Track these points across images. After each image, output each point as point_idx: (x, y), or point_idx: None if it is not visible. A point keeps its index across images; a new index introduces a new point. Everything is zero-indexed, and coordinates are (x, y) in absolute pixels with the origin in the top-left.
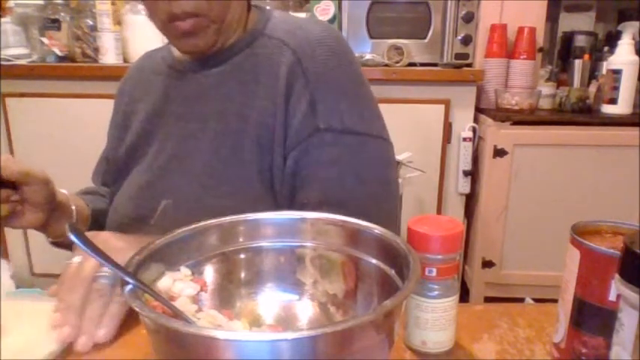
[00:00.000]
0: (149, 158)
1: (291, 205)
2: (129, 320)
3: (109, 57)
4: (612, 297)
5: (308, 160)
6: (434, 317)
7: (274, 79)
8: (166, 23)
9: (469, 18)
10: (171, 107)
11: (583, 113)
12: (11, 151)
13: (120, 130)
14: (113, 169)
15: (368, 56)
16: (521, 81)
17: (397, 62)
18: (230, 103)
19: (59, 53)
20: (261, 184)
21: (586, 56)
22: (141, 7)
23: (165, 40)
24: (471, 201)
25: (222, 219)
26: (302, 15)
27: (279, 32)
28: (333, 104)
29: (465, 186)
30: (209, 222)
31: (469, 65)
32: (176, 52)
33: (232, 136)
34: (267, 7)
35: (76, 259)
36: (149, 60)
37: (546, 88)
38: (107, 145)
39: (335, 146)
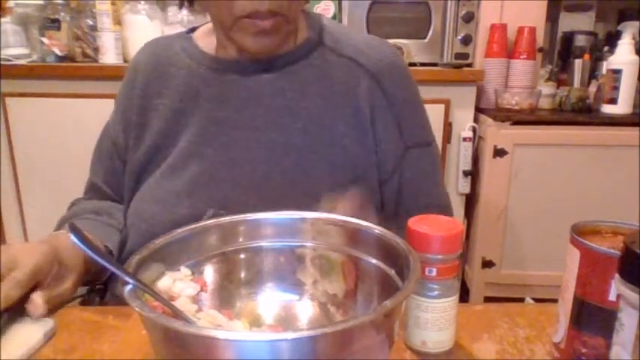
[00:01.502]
0: (173, 161)
1: (388, 219)
2: (129, 320)
3: (109, 57)
4: (612, 297)
5: (402, 177)
6: (434, 317)
7: (349, 99)
8: (240, 19)
9: (469, 18)
10: (204, 108)
11: (583, 113)
12: (11, 151)
13: (136, 129)
14: (130, 171)
15: None
16: (521, 81)
17: None
18: (288, 114)
19: (59, 53)
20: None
21: (586, 56)
22: (141, 7)
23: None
24: (471, 201)
25: (222, 219)
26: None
27: (345, 48)
28: (414, 121)
29: (465, 186)
30: (209, 222)
31: (469, 65)
32: (213, 49)
33: (296, 150)
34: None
35: None
36: (163, 51)
37: (546, 88)
38: (116, 134)
39: (421, 159)
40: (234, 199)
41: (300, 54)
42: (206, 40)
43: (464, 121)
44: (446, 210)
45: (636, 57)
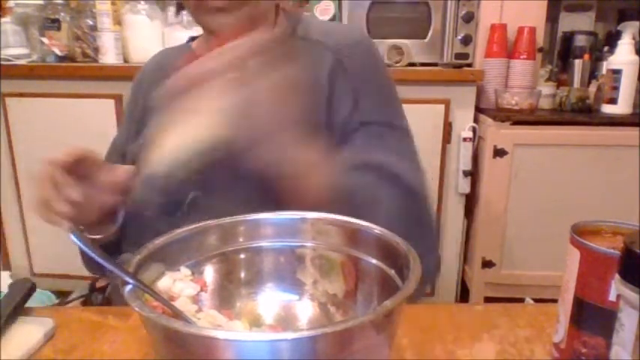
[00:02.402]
0: None
1: None
2: (129, 320)
3: (109, 57)
4: (612, 297)
5: (357, 150)
6: None
7: (313, 78)
8: (199, 1)
9: (469, 18)
10: None
11: (583, 113)
12: (11, 151)
13: (138, 125)
14: (129, 163)
15: None
16: (521, 81)
17: (397, 62)
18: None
19: (59, 53)
20: None
21: (586, 56)
22: (141, 7)
23: (168, 44)
24: (471, 201)
25: (222, 219)
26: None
27: (313, 34)
28: (374, 100)
29: (464, 186)
30: (209, 222)
31: (469, 65)
32: (202, 51)
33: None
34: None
35: None
36: (168, 58)
37: (546, 88)
38: (121, 138)
39: (381, 138)
40: (211, 180)
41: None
42: (199, 43)
43: (464, 121)
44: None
45: (636, 57)
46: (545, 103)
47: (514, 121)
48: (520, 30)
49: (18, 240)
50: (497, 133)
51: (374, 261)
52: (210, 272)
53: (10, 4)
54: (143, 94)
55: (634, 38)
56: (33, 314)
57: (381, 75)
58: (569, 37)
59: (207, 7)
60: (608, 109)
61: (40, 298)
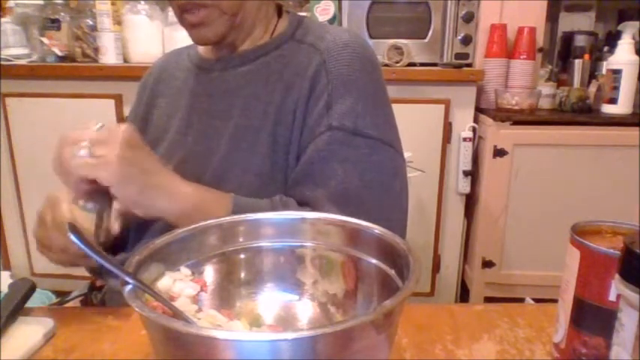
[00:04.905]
0: (162, 151)
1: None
2: (129, 320)
3: (109, 57)
4: (612, 297)
5: (316, 156)
6: None
7: (301, 79)
8: (179, 16)
9: (469, 18)
10: (194, 103)
11: (583, 113)
12: (11, 152)
13: (142, 123)
14: None
15: None
16: (521, 81)
17: (397, 62)
18: (255, 100)
19: (59, 53)
20: (273, 180)
21: (586, 56)
22: (141, 7)
23: (168, 44)
24: (470, 201)
25: (222, 219)
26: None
27: (309, 38)
28: (349, 105)
29: (465, 186)
30: (209, 222)
31: (469, 65)
32: (203, 51)
33: (252, 130)
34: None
35: None
36: (175, 57)
37: (546, 88)
38: None
39: (345, 146)
40: (199, 182)
41: (271, 46)
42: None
43: (464, 121)
44: (343, 206)
45: (636, 57)
46: (545, 103)
47: (514, 121)
48: (520, 30)
49: (18, 240)
50: (497, 133)
51: (374, 261)
52: (210, 272)
53: (10, 4)
54: (147, 92)
55: (634, 38)
56: (33, 314)
57: (365, 81)
58: (569, 37)
59: (185, 23)
60: (608, 109)
61: (40, 298)
